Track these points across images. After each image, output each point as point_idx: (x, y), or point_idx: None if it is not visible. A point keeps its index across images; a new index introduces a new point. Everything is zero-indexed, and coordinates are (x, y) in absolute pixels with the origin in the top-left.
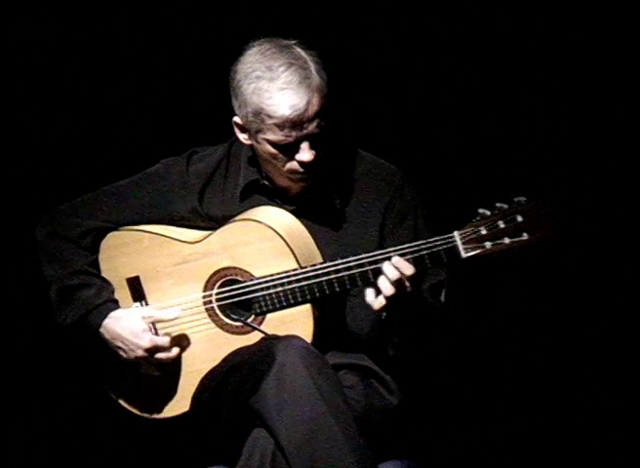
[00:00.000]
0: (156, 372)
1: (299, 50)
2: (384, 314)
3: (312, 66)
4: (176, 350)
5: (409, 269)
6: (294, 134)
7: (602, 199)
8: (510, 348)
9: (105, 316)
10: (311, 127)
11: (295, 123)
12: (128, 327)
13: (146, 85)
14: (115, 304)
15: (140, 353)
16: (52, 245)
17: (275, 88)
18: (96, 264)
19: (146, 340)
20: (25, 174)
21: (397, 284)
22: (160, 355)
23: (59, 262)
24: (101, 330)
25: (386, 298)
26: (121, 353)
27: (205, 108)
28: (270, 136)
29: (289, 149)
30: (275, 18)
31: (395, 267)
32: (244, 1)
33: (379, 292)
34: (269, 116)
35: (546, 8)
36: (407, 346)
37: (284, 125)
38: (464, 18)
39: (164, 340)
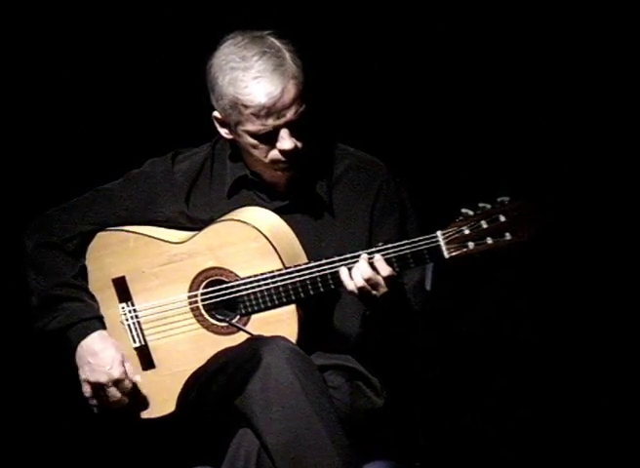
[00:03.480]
0: (125, 401)
1: (272, 39)
2: (367, 312)
3: (286, 54)
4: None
5: (385, 270)
6: (272, 122)
7: (585, 199)
8: (498, 347)
9: (87, 334)
10: (289, 114)
11: (271, 110)
12: (106, 354)
13: (129, 88)
14: (100, 323)
15: (104, 379)
16: (39, 255)
17: (249, 77)
18: (82, 270)
19: (119, 372)
20: (10, 177)
21: (369, 280)
22: (118, 388)
23: (45, 274)
24: (80, 346)
25: (358, 289)
26: (84, 372)
27: (187, 110)
28: (249, 127)
29: (269, 138)
30: (261, 13)
31: (370, 265)
32: (229, 2)
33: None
34: (246, 106)
35: (534, 6)
36: (388, 343)
37: (261, 113)
38: (452, 11)
39: (136, 377)
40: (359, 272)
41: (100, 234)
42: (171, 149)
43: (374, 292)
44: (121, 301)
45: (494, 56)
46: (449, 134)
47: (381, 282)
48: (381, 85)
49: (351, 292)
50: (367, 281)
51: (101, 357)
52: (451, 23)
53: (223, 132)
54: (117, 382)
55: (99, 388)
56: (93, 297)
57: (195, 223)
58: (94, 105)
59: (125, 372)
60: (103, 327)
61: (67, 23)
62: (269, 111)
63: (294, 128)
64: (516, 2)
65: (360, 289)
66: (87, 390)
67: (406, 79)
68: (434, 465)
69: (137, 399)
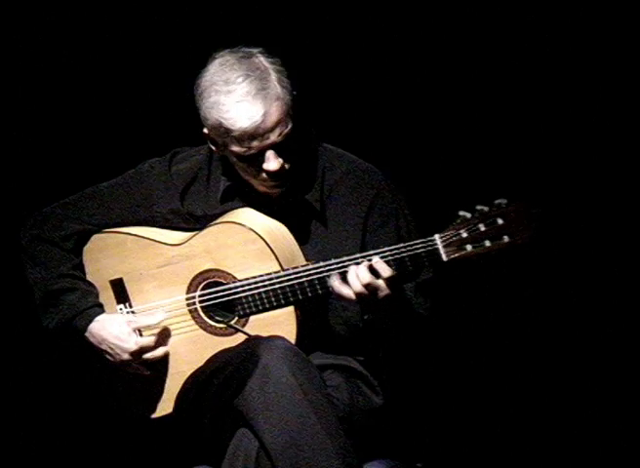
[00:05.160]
0: (146, 372)
1: (260, 58)
2: (367, 315)
3: (272, 75)
4: (162, 349)
5: (385, 272)
6: (256, 144)
7: (582, 201)
8: (498, 347)
9: (91, 321)
10: (273, 136)
11: (254, 134)
12: (113, 331)
13: (128, 88)
14: (100, 308)
15: (126, 357)
16: (36, 248)
17: (232, 101)
18: (80, 267)
19: (132, 343)
20: (8, 175)
21: (368, 285)
22: (147, 356)
23: (43, 266)
24: (87, 334)
25: (356, 294)
26: (108, 357)
27: (188, 111)
28: (234, 149)
29: (255, 160)
30: (255, 18)
31: (369, 268)
32: (228, 5)
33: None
34: (228, 130)
35: (534, 7)
36: (389, 346)
37: (244, 137)
38: (452, 14)
39: (149, 340)
40: (357, 276)
41: (97, 236)
42: (170, 149)
43: (373, 296)
44: (119, 303)
45: (491, 59)
46: (446, 136)
47: (381, 284)
48: (379, 89)
49: (349, 299)
50: (366, 286)
51: (110, 340)
52: (449, 27)
53: (213, 148)
54: (138, 352)
55: (132, 362)
56: (91, 285)
57: (192, 224)
58: (94, 104)
59: (137, 341)
60: (102, 311)
61: (68, 23)
62: (252, 135)
63: (279, 148)
64: (516, 2)
65: (358, 294)
66: (127, 369)
67: (403, 83)
68: (435, 465)
69: (136, 399)
